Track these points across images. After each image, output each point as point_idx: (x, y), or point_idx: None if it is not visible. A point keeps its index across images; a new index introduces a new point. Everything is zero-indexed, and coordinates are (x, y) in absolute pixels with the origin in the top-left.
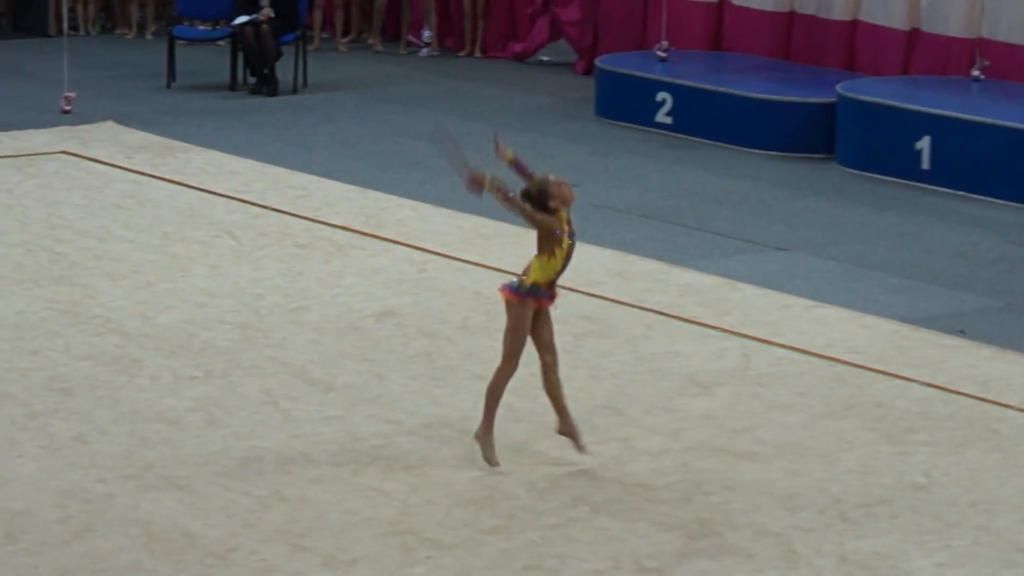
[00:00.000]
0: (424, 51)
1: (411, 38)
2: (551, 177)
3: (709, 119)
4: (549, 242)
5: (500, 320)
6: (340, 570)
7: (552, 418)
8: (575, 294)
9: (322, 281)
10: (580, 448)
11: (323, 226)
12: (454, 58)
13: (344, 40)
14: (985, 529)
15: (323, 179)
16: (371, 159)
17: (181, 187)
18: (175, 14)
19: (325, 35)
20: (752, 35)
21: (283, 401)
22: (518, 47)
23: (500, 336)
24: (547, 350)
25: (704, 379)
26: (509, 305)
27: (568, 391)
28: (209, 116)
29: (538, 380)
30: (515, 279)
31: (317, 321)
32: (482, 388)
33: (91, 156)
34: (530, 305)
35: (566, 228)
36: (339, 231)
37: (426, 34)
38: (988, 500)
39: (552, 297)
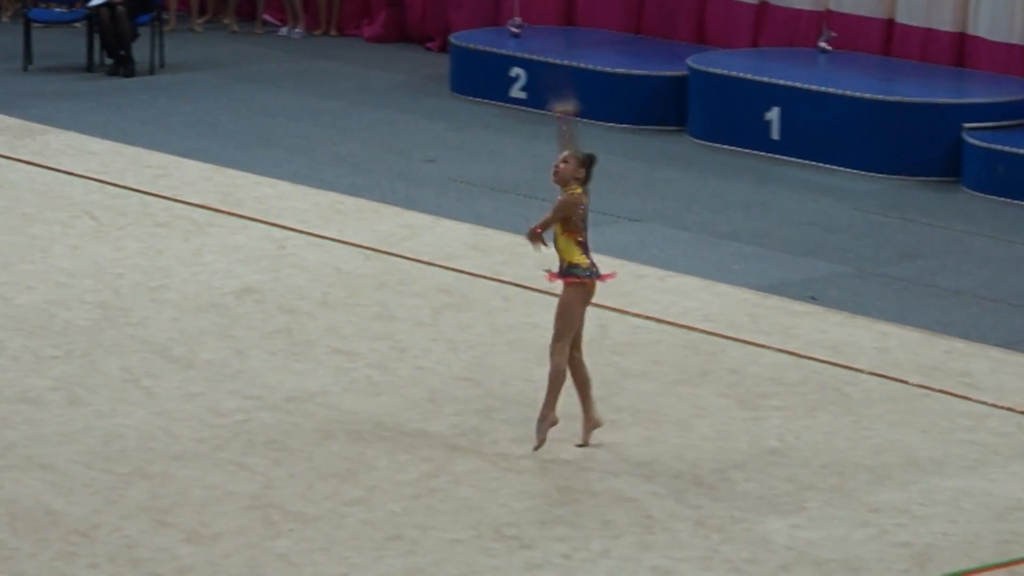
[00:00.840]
0: (282, 30)
1: (267, 18)
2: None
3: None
4: (574, 220)
5: (359, 295)
6: (203, 545)
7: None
8: (433, 268)
9: (182, 260)
10: (584, 440)
11: (182, 205)
12: (310, 37)
13: (200, 20)
14: (838, 491)
15: (181, 159)
16: (229, 138)
17: (40, 168)
18: None
19: (181, 15)
20: (604, 10)
21: (145, 379)
22: (369, 30)
23: (359, 311)
24: (576, 346)
25: None
26: (570, 288)
27: (427, 363)
28: (67, 98)
29: (400, 354)
30: (558, 266)
31: (177, 299)
32: (343, 362)
33: None
34: (588, 286)
35: (580, 200)
36: (198, 210)
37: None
38: (840, 462)
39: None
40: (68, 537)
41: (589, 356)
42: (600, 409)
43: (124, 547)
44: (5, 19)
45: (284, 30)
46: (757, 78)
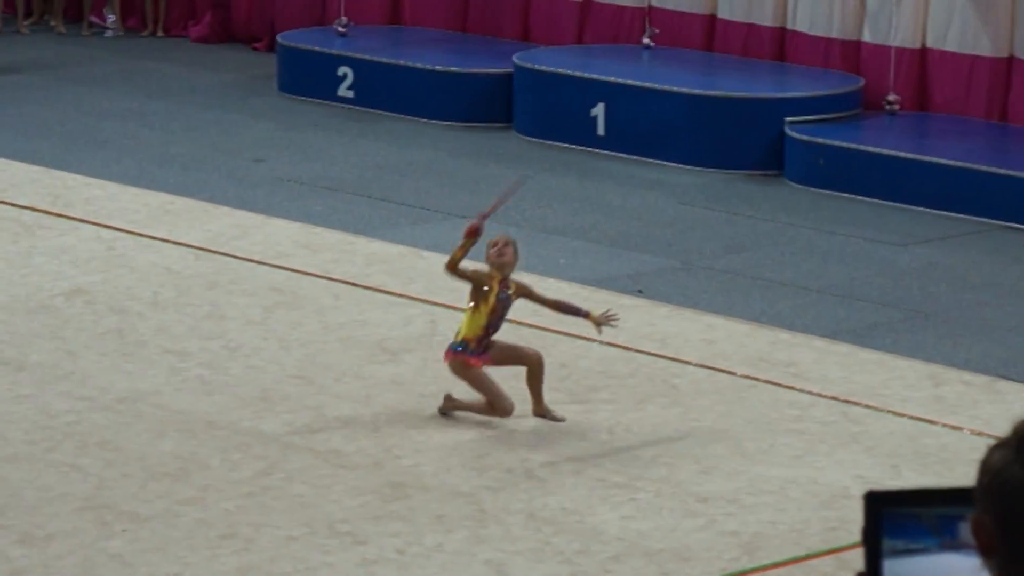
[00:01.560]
0: (109, 32)
1: (94, 19)
2: (502, 237)
3: (390, 92)
4: (476, 296)
5: (190, 295)
6: (36, 546)
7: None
8: (263, 266)
9: (10, 262)
10: (557, 418)
11: (9, 207)
12: (137, 38)
13: (26, 22)
14: (667, 481)
15: (8, 160)
16: (57, 140)
17: None
18: None
19: (7, 16)
20: (430, 9)
21: None
22: (196, 31)
23: (190, 311)
24: (523, 360)
25: (392, 346)
26: (452, 365)
27: (258, 362)
28: None
29: (231, 353)
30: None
31: (6, 301)
32: (174, 362)
33: None
34: (462, 361)
35: (495, 288)
36: (26, 211)
37: (110, 18)
38: (669, 453)
39: (482, 354)
40: None
41: (419, 352)
42: (432, 405)
43: None
44: None
45: (110, 32)
46: (582, 74)
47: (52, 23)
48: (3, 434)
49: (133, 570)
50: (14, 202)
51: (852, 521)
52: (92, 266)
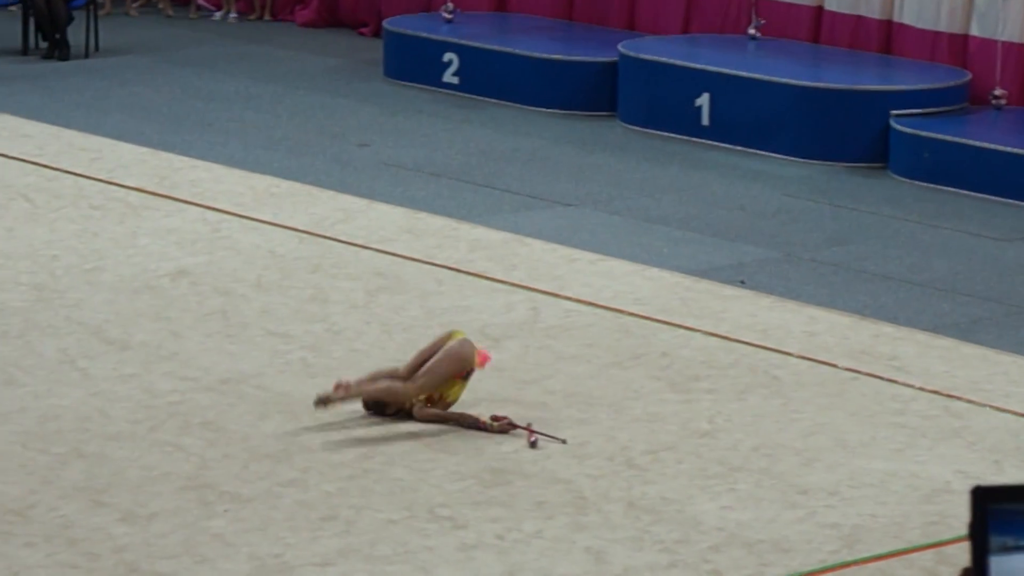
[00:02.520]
0: (216, 15)
1: (202, 2)
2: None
3: (495, 79)
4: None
5: (294, 278)
6: (139, 524)
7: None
8: (367, 251)
9: (117, 242)
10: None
11: (117, 188)
12: (244, 21)
13: (135, 5)
14: (767, 472)
15: (116, 142)
16: (164, 122)
17: None
18: None
19: None
20: None
21: (80, 360)
22: (303, 15)
23: (293, 293)
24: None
25: (494, 332)
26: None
27: (360, 346)
28: (1, 81)
29: (334, 336)
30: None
31: (112, 281)
32: (278, 344)
33: None
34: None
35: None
36: (133, 192)
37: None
38: (770, 444)
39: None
40: (4, 517)
41: (521, 339)
42: (533, 392)
43: (60, 527)
44: None
45: (218, 14)
46: (688, 64)
47: (160, 6)
48: (107, 413)
49: (234, 550)
50: (121, 183)
51: (953, 516)
52: (197, 247)
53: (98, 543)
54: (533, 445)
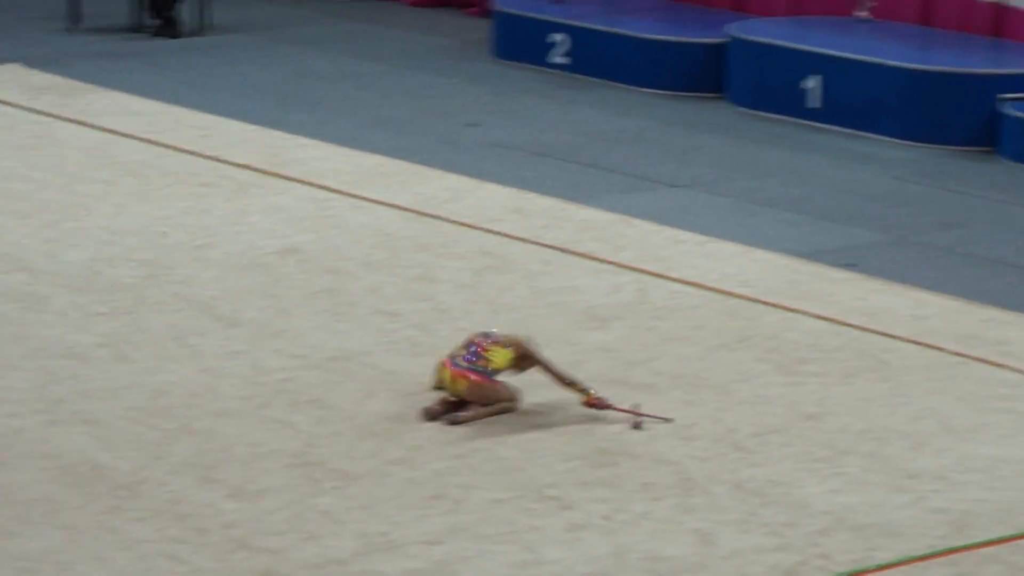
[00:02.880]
0: None
1: None
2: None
3: (603, 59)
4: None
5: (401, 257)
6: (247, 500)
7: None
8: (474, 230)
9: (225, 219)
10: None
11: (226, 165)
12: (354, 0)
13: None
14: (875, 456)
15: (225, 119)
16: (273, 99)
17: (85, 127)
18: None
19: None
20: None
21: (189, 336)
22: None
23: (401, 272)
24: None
25: (601, 313)
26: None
27: (467, 325)
28: (112, 58)
29: (441, 315)
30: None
31: (221, 258)
32: (385, 323)
33: None
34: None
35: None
36: (242, 170)
37: None
38: (877, 428)
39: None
40: (115, 491)
41: (628, 320)
42: (640, 373)
43: (170, 502)
44: None
45: None
46: (796, 46)
47: None
48: (216, 389)
49: (342, 527)
50: (230, 160)
51: None
52: (305, 225)
53: (207, 518)
54: (636, 427)
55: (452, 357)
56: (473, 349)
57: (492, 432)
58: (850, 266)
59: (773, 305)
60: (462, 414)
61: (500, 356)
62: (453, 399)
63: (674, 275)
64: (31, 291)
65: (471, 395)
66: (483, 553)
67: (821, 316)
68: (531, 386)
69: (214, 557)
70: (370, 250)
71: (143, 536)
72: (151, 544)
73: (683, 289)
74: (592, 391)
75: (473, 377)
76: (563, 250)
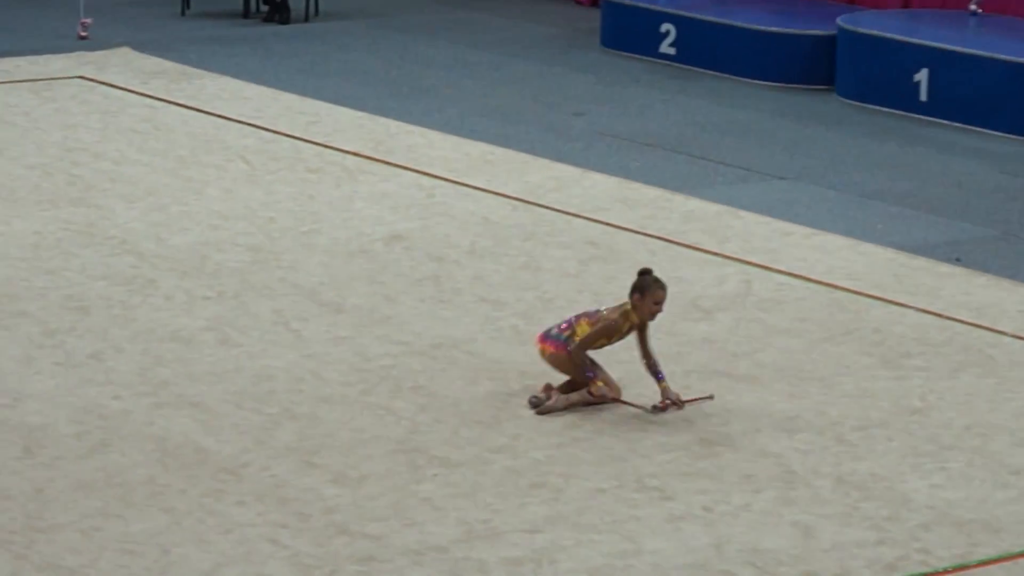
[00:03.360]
0: None
1: None
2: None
3: (712, 50)
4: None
5: (507, 245)
6: (349, 486)
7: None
8: (580, 220)
9: (332, 205)
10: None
11: (334, 151)
12: None
13: None
14: (979, 452)
15: (334, 106)
16: (381, 86)
17: (195, 112)
18: None
19: None
20: None
21: (294, 322)
22: None
23: (506, 261)
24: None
25: (706, 304)
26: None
27: (573, 315)
28: (222, 43)
29: (546, 304)
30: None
31: (327, 244)
32: (490, 311)
33: (107, 81)
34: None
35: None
36: (349, 156)
37: None
38: (982, 424)
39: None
40: (217, 475)
41: (732, 311)
42: (744, 365)
43: (272, 486)
44: None
45: None
46: (907, 39)
47: None
48: (320, 375)
49: (443, 514)
50: (338, 147)
51: None
52: (411, 212)
53: (309, 504)
54: (656, 410)
55: (549, 328)
56: (568, 321)
57: (594, 421)
58: (957, 261)
59: (879, 299)
60: (548, 403)
61: (582, 329)
62: (557, 387)
63: (780, 267)
64: (138, 274)
65: (551, 363)
66: (583, 542)
67: (927, 310)
68: (640, 373)
69: (315, 542)
70: (475, 238)
71: (245, 520)
72: (253, 528)
73: (789, 281)
74: (597, 386)
75: (550, 348)
76: (669, 240)
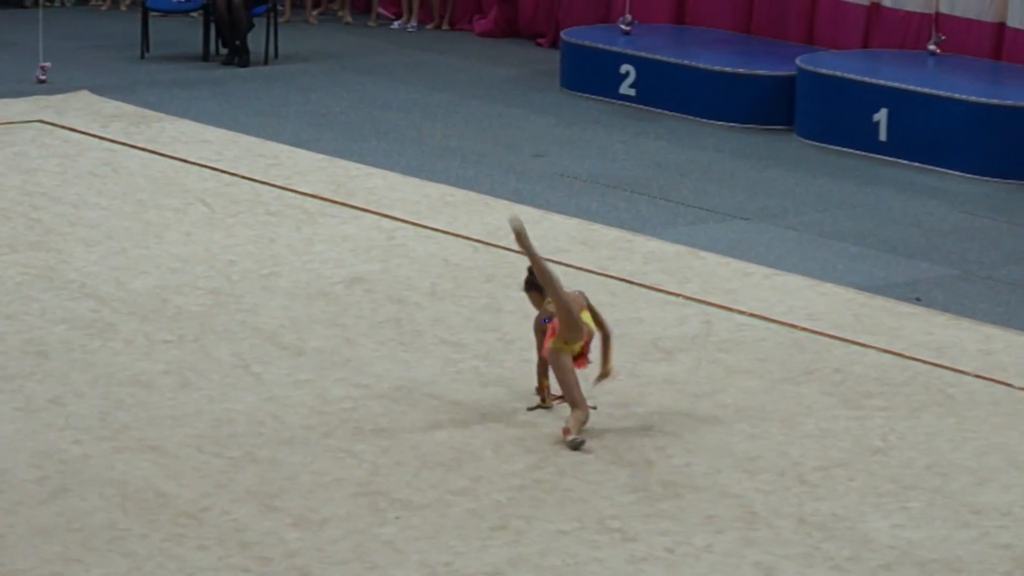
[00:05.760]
0: (395, 24)
1: (381, 11)
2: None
3: (672, 91)
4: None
5: (468, 287)
6: (311, 530)
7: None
8: None
9: (293, 248)
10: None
11: (294, 194)
12: (422, 31)
13: (314, 12)
14: (940, 491)
15: (294, 148)
16: (341, 129)
17: (155, 155)
18: None
19: (295, 7)
20: (714, 9)
21: (254, 365)
22: (480, 25)
23: (467, 303)
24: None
25: (666, 345)
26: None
27: (532, 356)
28: (182, 86)
29: (507, 346)
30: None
31: (288, 287)
32: (450, 353)
33: (66, 125)
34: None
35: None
36: (309, 199)
37: (410, 25)
38: (943, 463)
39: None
40: (178, 519)
41: (693, 352)
42: (705, 406)
43: (233, 530)
44: (123, 8)
45: (397, 23)
46: (866, 79)
47: (339, 14)
48: (281, 418)
49: (405, 557)
50: (298, 189)
51: None
52: (372, 255)
53: (270, 547)
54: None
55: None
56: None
57: (555, 463)
58: (917, 300)
59: (839, 338)
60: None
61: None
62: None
63: (741, 307)
64: (98, 318)
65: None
66: None
67: (887, 350)
68: (601, 414)
69: None
70: (436, 280)
71: (206, 564)
72: (214, 572)
73: (749, 322)
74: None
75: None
76: (629, 282)
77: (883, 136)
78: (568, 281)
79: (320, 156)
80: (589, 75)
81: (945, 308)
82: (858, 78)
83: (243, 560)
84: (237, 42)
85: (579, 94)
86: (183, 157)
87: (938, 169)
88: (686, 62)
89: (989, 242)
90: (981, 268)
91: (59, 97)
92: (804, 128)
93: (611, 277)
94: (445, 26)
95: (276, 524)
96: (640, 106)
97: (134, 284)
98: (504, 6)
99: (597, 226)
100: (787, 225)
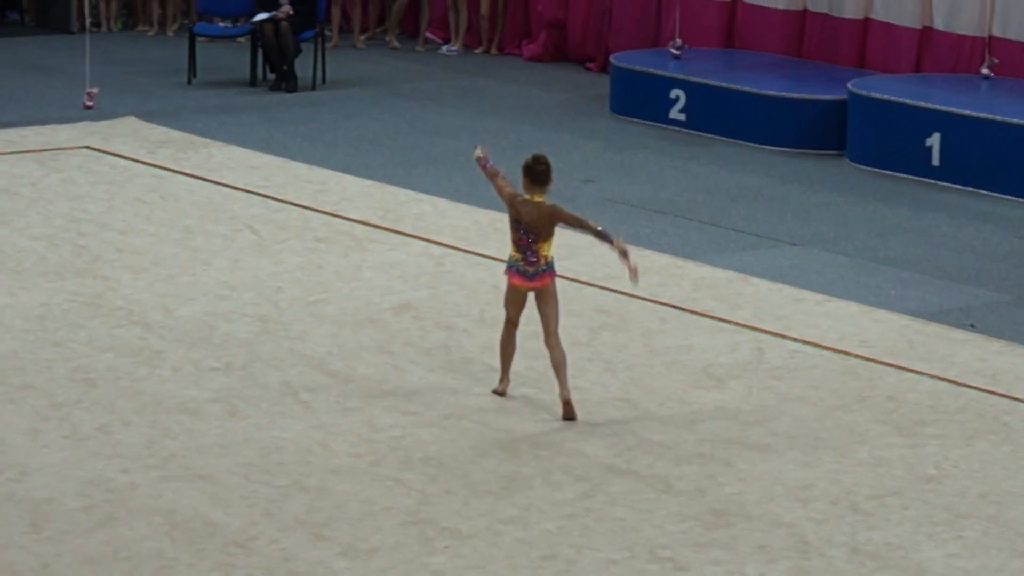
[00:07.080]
0: (443, 49)
1: (429, 35)
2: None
3: (722, 116)
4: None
5: None
6: (359, 559)
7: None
8: (591, 288)
9: (341, 275)
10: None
11: (342, 220)
12: (471, 55)
13: (362, 37)
14: (995, 520)
15: (342, 174)
16: (389, 155)
17: (202, 182)
18: (197, 11)
19: (343, 32)
20: (765, 33)
21: (303, 392)
22: (529, 50)
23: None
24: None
25: (718, 372)
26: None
27: (584, 383)
28: (229, 112)
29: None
30: (538, 265)
31: (336, 314)
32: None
33: (113, 151)
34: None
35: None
36: (358, 225)
37: (452, 48)
38: (998, 492)
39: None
40: (226, 548)
41: (744, 379)
42: (757, 434)
43: (281, 559)
44: (170, 34)
45: (445, 48)
46: (918, 103)
47: (387, 39)
48: (329, 446)
49: None
50: (346, 216)
51: None
52: (420, 281)
53: None
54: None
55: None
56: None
57: (605, 492)
58: (971, 327)
59: (893, 365)
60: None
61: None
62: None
63: (792, 334)
64: (145, 345)
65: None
66: None
67: (941, 377)
68: (652, 443)
69: None
70: (485, 307)
71: None
72: None
73: (801, 348)
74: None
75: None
76: (680, 308)
77: (936, 161)
78: (619, 307)
79: (368, 182)
80: (639, 100)
81: (1000, 334)
82: (910, 102)
83: None
84: (285, 67)
85: (629, 119)
86: (230, 183)
87: (991, 194)
88: (736, 87)
89: None
90: None
91: (106, 123)
92: (856, 153)
93: (662, 304)
94: (493, 51)
95: (325, 553)
96: (690, 131)
97: (181, 311)
98: (553, 30)
99: (647, 252)
100: (839, 251)
